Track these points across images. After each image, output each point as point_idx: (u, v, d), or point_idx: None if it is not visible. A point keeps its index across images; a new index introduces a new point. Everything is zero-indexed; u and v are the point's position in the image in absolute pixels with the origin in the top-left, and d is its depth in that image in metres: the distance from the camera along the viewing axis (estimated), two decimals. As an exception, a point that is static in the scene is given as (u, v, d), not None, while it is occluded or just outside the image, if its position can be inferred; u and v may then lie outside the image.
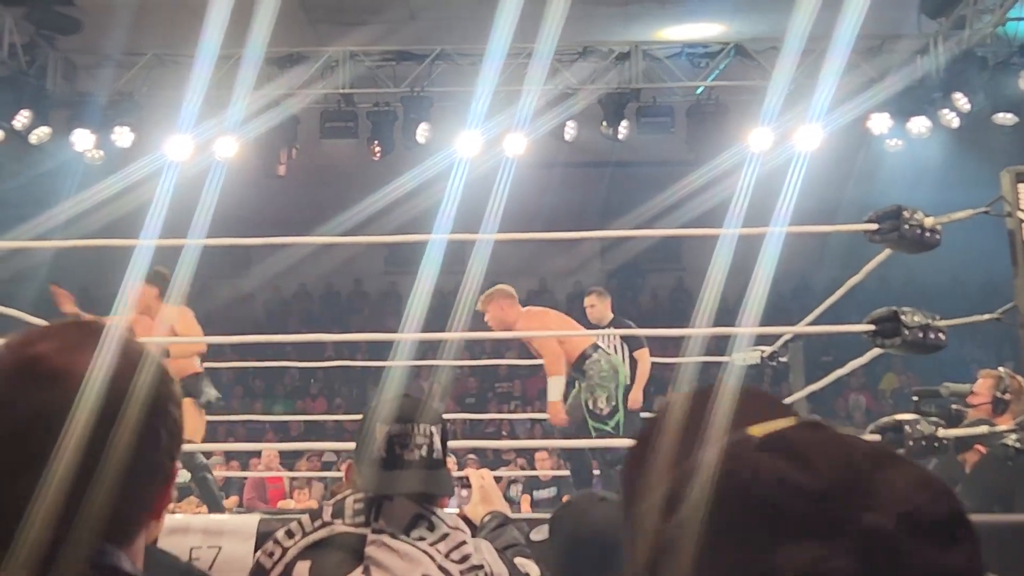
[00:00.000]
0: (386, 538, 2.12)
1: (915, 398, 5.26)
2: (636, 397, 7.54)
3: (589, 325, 7.86)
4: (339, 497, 2.23)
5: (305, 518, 2.23)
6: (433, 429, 2.27)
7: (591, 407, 6.84)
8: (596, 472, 7.19)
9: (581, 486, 6.92)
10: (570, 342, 6.93)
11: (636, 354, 7.64)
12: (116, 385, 0.92)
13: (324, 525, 2.18)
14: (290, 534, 2.20)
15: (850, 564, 0.60)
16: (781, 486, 0.63)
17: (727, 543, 0.63)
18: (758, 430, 0.68)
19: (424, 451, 2.24)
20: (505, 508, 2.55)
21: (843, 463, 0.65)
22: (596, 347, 6.95)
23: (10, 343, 0.96)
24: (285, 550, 2.17)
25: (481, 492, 2.55)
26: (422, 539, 2.13)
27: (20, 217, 9.46)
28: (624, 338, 7.67)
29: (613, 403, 6.77)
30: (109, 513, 0.89)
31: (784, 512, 0.62)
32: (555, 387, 6.83)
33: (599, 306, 7.84)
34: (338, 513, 2.19)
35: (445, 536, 2.15)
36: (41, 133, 10.81)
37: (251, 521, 3.61)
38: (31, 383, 0.91)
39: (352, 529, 2.15)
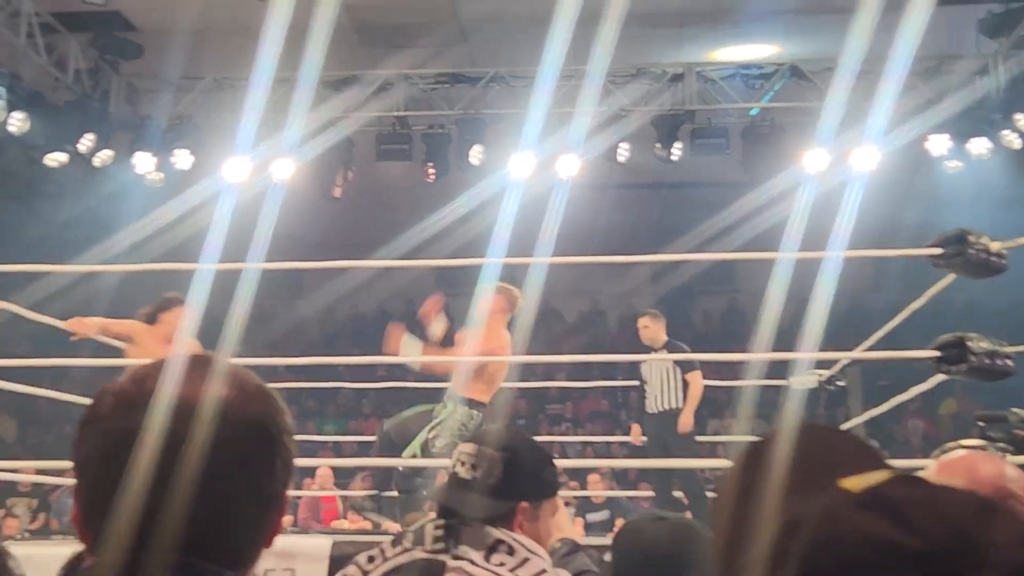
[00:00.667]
0: (466, 564, 2.12)
1: (981, 424, 5.15)
2: (686, 420, 7.47)
3: (641, 348, 7.83)
4: (419, 524, 2.24)
5: (387, 543, 2.25)
6: (497, 455, 2.28)
7: (430, 439, 6.44)
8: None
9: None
10: (497, 375, 6.58)
11: (688, 376, 7.58)
12: (233, 417, 0.94)
13: (405, 551, 2.20)
14: (371, 559, 2.22)
15: None
16: (886, 549, 0.62)
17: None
18: (855, 484, 0.68)
19: (479, 472, 2.25)
20: (574, 534, 2.55)
21: (946, 522, 0.64)
22: (480, 409, 6.54)
23: (133, 375, 0.99)
24: (366, 574, 2.20)
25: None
26: (502, 564, 2.13)
27: (85, 239, 9.66)
28: (677, 360, 7.60)
29: (434, 449, 6.38)
30: (227, 541, 0.92)
31: (888, 572, 0.62)
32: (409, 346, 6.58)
33: (652, 328, 7.79)
34: (418, 539, 2.20)
35: (525, 561, 2.15)
36: (104, 156, 11.02)
37: (324, 544, 3.63)
38: (152, 415, 0.94)
39: (432, 556, 2.16)
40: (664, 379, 7.63)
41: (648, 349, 7.79)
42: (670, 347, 7.75)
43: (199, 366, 0.99)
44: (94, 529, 0.94)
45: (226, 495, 0.93)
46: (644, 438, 7.88)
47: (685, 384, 7.58)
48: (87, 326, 6.35)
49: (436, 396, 8.27)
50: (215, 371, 0.98)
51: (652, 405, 7.68)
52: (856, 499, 0.66)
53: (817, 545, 0.65)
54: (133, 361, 6.62)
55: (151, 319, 6.67)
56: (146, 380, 0.97)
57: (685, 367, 7.60)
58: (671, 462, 7.20)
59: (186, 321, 6.67)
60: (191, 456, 0.91)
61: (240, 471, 0.94)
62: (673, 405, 7.57)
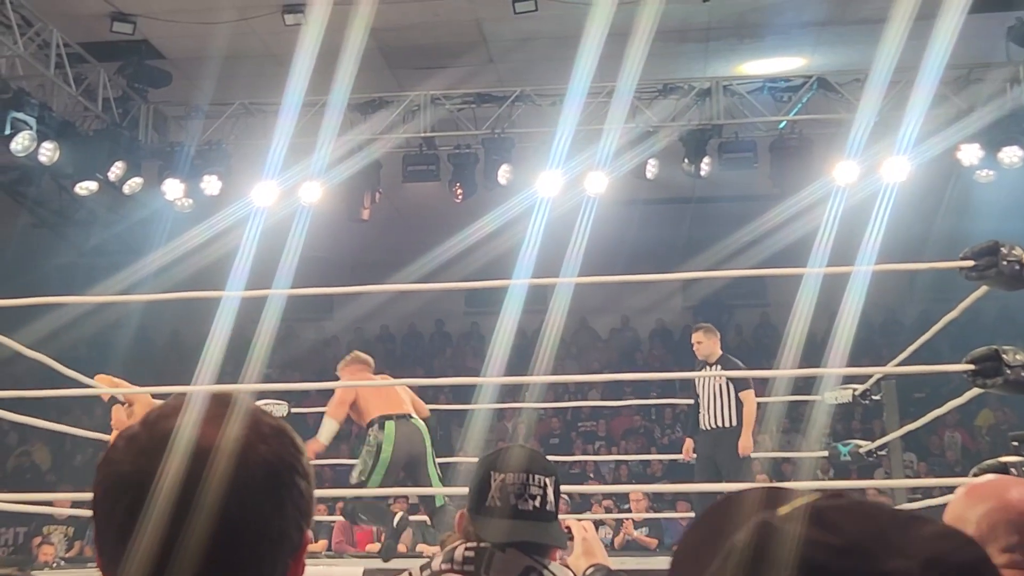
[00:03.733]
0: None
1: (1015, 443, 5.05)
2: (746, 443, 7.38)
3: (673, 363, 7.77)
4: (450, 547, 2.22)
5: (416, 569, 2.23)
6: (547, 480, 2.26)
7: (353, 472, 6.92)
8: None
9: None
10: (367, 406, 6.95)
11: (742, 395, 7.47)
12: (243, 459, 0.94)
13: (434, 575, 2.18)
14: None
15: None
16: (807, 547, 0.68)
17: None
18: (783, 509, 0.73)
19: (538, 502, 2.23)
20: (607, 561, 2.52)
21: (865, 522, 0.70)
22: (382, 423, 6.83)
23: (147, 417, 0.99)
24: None
25: (584, 544, 2.52)
26: None
27: (115, 265, 9.76)
28: (732, 379, 7.50)
29: (363, 477, 6.71)
30: None
31: (812, 567, 0.67)
32: (325, 429, 6.95)
33: (706, 343, 7.71)
34: (448, 563, 2.18)
35: None
36: (134, 183, 11.12)
37: (355, 572, 3.61)
38: (162, 456, 0.94)
39: None
40: (717, 395, 7.55)
41: (703, 363, 7.72)
42: (724, 362, 7.67)
43: (215, 407, 0.98)
44: (106, 570, 0.95)
45: (234, 538, 0.92)
46: (694, 455, 7.80)
47: (739, 402, 7.49)
48: (114, 383, 6.46)
49: (464, 417, 8.26)
50: (230, 412, 0.98)
51: (705, 422, 7.59)
52: (783, 515, 0.71)
53: (751, 558, 0.70)
54: (161, 390, 6.67)
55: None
56: (158, 423, 0.98)
57: (739, 385, 7.51)
58: (707, 486, 7.13)
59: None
60: (198, 499, 0.91)
61: (248, 513, 0.93)
62: (725, 423, 7.48)
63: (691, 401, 7.90)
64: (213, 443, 0.94)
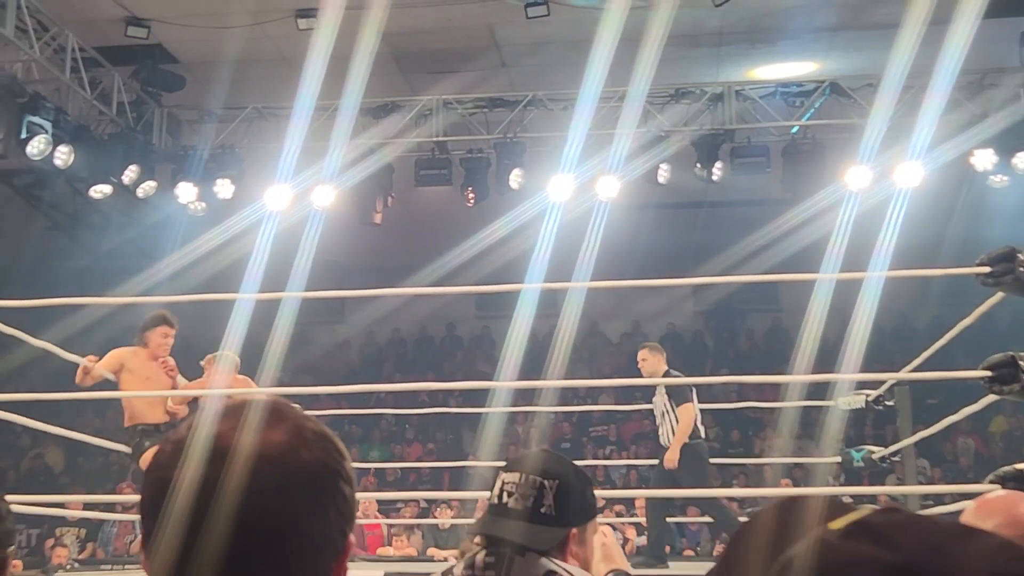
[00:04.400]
0: None
1: None
2: (671, 456, 7.38)
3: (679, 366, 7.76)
4: (471, 553, 2.23)
5: (437, 573, 2.24)
6: (546, 483, 2.25)
7: None
8: None
9: None
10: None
11: (679, 410, 7.48)
12: (286, 464, 0.95)
13: None
14: None
15: None
16: (869, 566, 0.67)
17: None
18: (838, 523, 0.72)
19: (530, 502, 2.22)
20: (627, 566, 2.51)
21: (924, 538, 0.68)
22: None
23: (195, 422, 1.01)
24: None
25: (603, 550, 2.52)
26: None
27: (129, 268, 9.79)
28: (670, 393, 7.50)
29: None
30: None
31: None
32: None
33: (651, 360, 7.68)
34: (468, 568, 2.19)
35: None
36: (148, 187, 11.16)
37: (375, 575, 3.62)
38: (206, 462, 0.95)
39: None
40: (665, 413, 7.59)
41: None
42: (668, 377, 7.65)
43: (262, 412, 0.99)
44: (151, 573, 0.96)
45: (277, 543, 0.93)
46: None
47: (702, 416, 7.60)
48: (93, 377, 6.50)
49: (475, 421, 8.27)
50: (275, 417, 0.98)
51: (661, 439, 7.67)
52: (840, 532, 0.70)
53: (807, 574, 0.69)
54: (170, 392, 6.69)
55: (140, 341, 6.78)
56: (204, 428, 0.99)
57: (678, 400, 7.51)
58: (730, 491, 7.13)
59: (169, 338, 6.82)
60: (241, 505, 0.91)
61: (291, 518, 0.93)
62: (671, 439, 7.51)
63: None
64: (256, 449, 0.94)
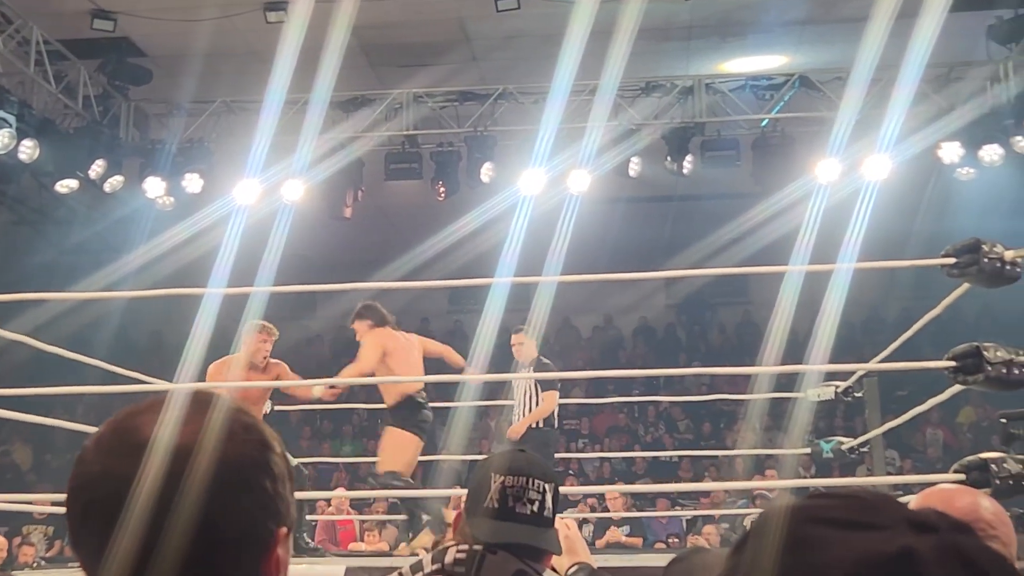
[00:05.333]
0: None
1: (1003, 420, 5.08)
2: (517, 428, 7.59)
3: (654, 360, 7.78)
4: (442, 548, 2.22)
5: (406, 569, 2.23)
6: (547, 486, 2.26)
7: None
8: None
9: None
10: None
11: (544, 395, 7.64)
12: (195, 456, 0.94)
13: None
14: None
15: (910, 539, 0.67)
16: (826, 507, 0.70)
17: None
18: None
19: (536, 506, 2.23)
20: (590, 559, 2.51)
21: (876, 495, 0.73)
22: None
23: (118, 414, 1.00)
24: None
25: (567, 543, 2.52)
26: None
27: (96, 263, 9.70)
28: (538, 380, 7.63)
29: None
30: None
31: (835, 520, 0.69)
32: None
33: (528, 345, 7.81)
34: (438, 563, 2.17)
35: None
36: (115, 182, 11.05)
37: (337, 570, 3.60)
38: (118, 455, 0.95)
39: None
40: (526, 397, 7.68)
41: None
42: (538, 365, 7.76)
43: (183, 406, 0.98)
44: (86, 568, 0.96)
45: (191, 537, 0.91)
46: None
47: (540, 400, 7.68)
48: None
49: (447, 415, 8.26)
50: (197, 411, 0.97)
51: (516, 419, 7.75)
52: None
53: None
54: (144, 389, 6.64)
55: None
56: (124, 422, 0.98)
57: (545, 386, 7.67)
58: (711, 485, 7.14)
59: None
60: (156, 499, 0.91)
61: (205, 513, 0.92)
62: (536, 424, 7.63)
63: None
64: (174, 442, 0.94)
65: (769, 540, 0.70)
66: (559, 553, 2.30)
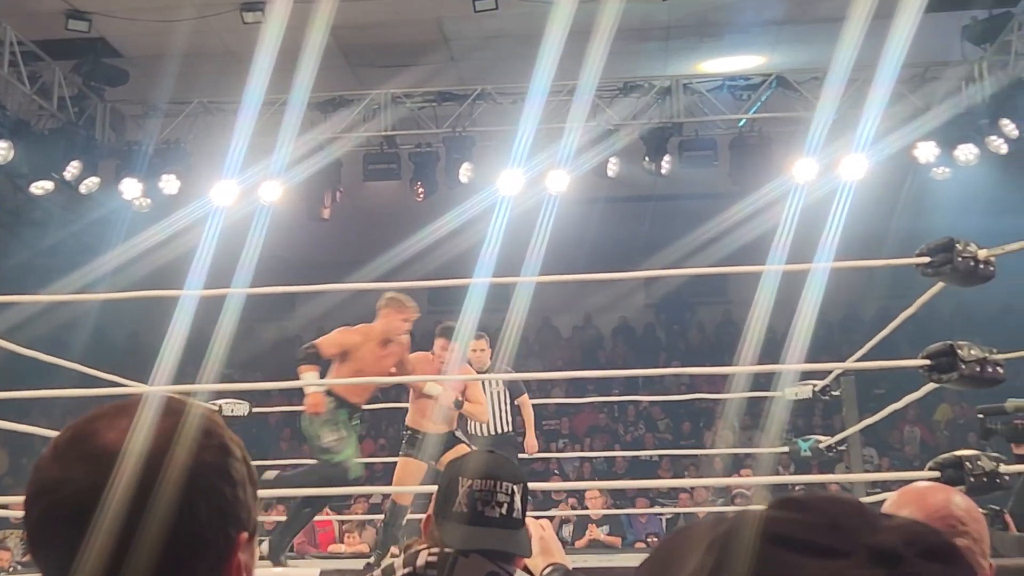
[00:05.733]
0: None
1: (980, 415, 5.13)
2: (531, 443, 7.63)
3: (635, 359, 7.78)
4: (413, 552, 2.21)
5: (378, 572, 2.22)
6: (515, 488, 2.25)
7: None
8: None
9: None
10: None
11: (518, 401, 7.61)
12: (153, 461, 0.93)
13: None
14: None
15: (868, 571, 0.65)
16: (790, 525, 0.68)
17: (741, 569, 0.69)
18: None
19: (504, 509, 2.22)
20: (565, 559, 2.51)
21: (845, 509, 0.70)
22: None
23: (78, 419, 0.99)
24: None
25: (541, 543, 2.52)
26: None
27: (71, 265, 9.63)
28: (507, 385, 7.56)
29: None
30: None
31: (797, 542, 0.67)
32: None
33: (488, 351, 7.62)
34: (410, 567, 2.17)
35: None
36: (90, 183, 10.98)
37: (312, 573, 3.59)
38: (75, 461, 0.94)
39: None
40: (495, 402, 7.51)
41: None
42: (497, 371, 7.60)
43: (146, 412, 0.98)
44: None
45: (142, 542, 0.91)
46: None
47: (515, 408, 7.63)
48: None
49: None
50: (154, 416, 0.97)
51: (476, 428, 7.43)
52: (763, 510, 0.72)
53: (733, 540, 0.70)
54: (121, 392, 6.59)
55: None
56: (82, 426, 0.98)
57: (515, 392, 7.61)
58: (694, 481, 7.16)
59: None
60: (105, 505, 0.90)
61: (156, 518, 0.91)
62: (502, 429, 7.50)
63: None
64: (131, 448, 0.93)
65: (734, 554, 0.69)
66: (528, 555, 2.30)
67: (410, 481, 6.49)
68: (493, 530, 2.18)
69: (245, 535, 0.98)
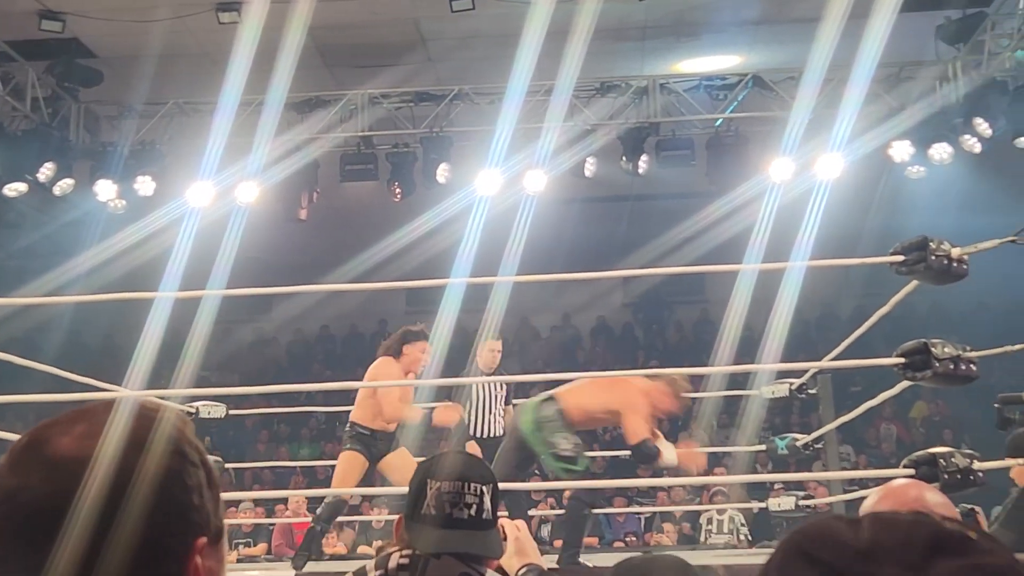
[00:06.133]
0: None
1: (997, 405, 5.09)
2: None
3: (612, 359, 7.78)
4: (385, 554, 2.20)
5: (349, 574, 2.21)
6: (484, 488, 2.23)
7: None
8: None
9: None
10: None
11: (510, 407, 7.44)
12: (105, 468, 0.93)
13: None
14: None
15: None
16: (824, 543, 0.70)
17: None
18: None
19: (473, 510, 2.20)
20: (540, 560, 2.51)
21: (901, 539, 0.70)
22: None
23: (35, 427, 0.99)
24: None
25: (516, 544, 2.52)
26: None
27: (45, 267, 9.55)
28: (511, 388, 7.53)
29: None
30: None
31: (818, 561, 0.68)
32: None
33: (501, 354, 7.53)
34: (382, 569, 2.16)
35: None
36: (65, 185, 10.90)
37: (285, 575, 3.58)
38: (31, 468, 0.94)
39: None
40: (497, 404, 7.42)
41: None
42: (500, 373, 7.52)
43: (102, 418, 0.97)
44: None
45: (94, 550, 0.90)
46: None
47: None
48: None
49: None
50: (114, 424, 0.96)
51: (480, 430, 7.35)
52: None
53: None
54: (96, 396, 6.54)
55: (395, 352, 6.73)
56: (36, 434, 0.97)
57: (512, 397, 7.52)
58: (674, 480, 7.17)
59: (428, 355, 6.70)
60: (57, 513, 0.90)
61: (120, 527, 0.91)
62: (500, 432, 7.29)
63: None
64: (85, 456, 0.93)
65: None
66: (499, 556, 2.30)
67: (355, 476, 6.55)
68: (463, 532, 2.17)
69: (204, 540, 0.97)
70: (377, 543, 6.15)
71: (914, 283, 4.79)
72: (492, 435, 7.34)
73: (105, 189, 10.99)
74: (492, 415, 7.46)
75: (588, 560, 6.79)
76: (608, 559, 7.50)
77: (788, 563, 0.69)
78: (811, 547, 0.69)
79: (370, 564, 2.20)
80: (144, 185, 10.96)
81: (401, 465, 6.62)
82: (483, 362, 7.35)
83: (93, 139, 11.40)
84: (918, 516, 0.73)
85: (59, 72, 10.77)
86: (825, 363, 6.69)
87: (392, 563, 2.15)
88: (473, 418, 7.36)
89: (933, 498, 2.05)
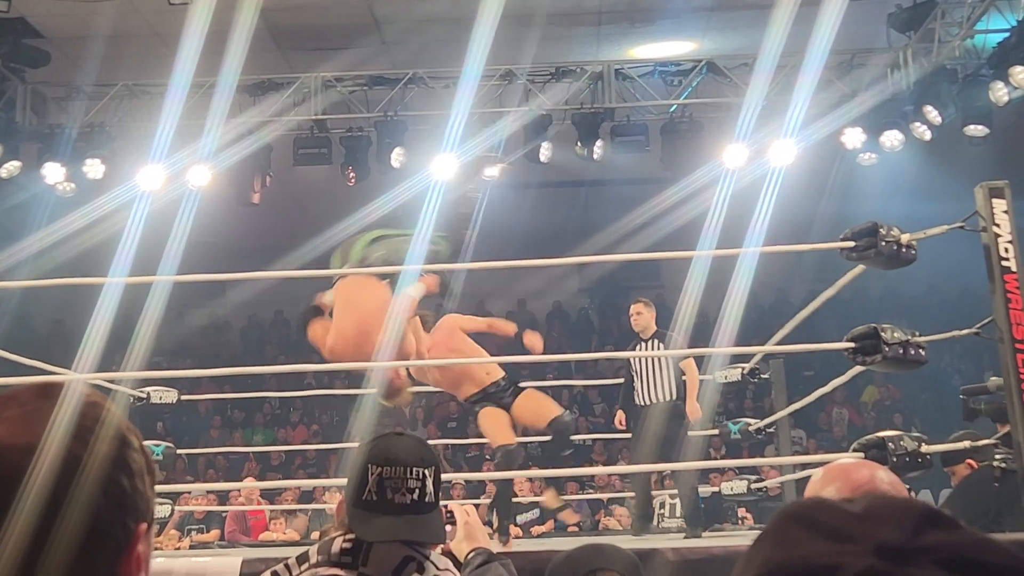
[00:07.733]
0: None
1: (962, 396, 5.10)
2: (693, 408, 7.29)
3: (568, 346, 7.80)
4: (328, 539, 2.17)
5: (292, 560, 2.18)
6: (426, 472, 2.19)
7: None
8: None
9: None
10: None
11: (683, 364, 7.39)
12: (44, 457, 0.90)
13: (310, 567, 2.13)
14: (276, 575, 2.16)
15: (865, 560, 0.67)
16: (821, 510, 0.71)
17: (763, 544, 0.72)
18: None
19: (416, 495, 2.16)
20: (489, 544, 2.51)
21: (894, 508, 0.71)
22: None
23: None
24: None
25: (466, 528, 2.51)
26: None
27: (-10, 251, 9.38)
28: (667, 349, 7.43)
29: None
30: None
31: (814, 523, 0.70)
32: None
33: (645, 315, 7.73)
34: (324, 554, 2.14)
35: None
36: (11, 167, 10.71)
37: (234, 562, 3.55)
38: None
39: (339, 571, 2.09)
40: (656, 370, 7.43)
41: (637, 336, 7.73)
42: (661, 337, 7.57)
43: (36, 403, 0.94)
44: None
45: (34, 539, 0.88)
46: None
47: (679, 373, 7.40)
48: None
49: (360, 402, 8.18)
50: (51, 408, 0.93)
51: (642, 397, 7.45)
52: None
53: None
54: (45, 379, 6.44)
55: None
56: None
57: (679, 357, 7.41)
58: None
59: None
60: (5, 502, 0.87)
61: (61, 514, 0.89)
62: (665, 396, 7.34)
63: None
64: (21, 442, 0.90)
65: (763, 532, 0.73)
66: (442, 540, 2.28)
67: (504, 424, 6.96)
68: (403, 518, 2.13)
69: (144, 526, 0.95)
70: (323, 527, 6.12)
71: (860, 268, 4.84)
72: (652, 400, 7.40)
73: (53, 172, 10.81)
74: (651, 380, 7.45)
75: (541, 545, 6.82)
76: (559, 544, 7.54)
77: (786, 529, 0.71)
78: (809, 513, 0.71)
79: (312, 549, 2.18)
80: (93, 168, 10.80)
81: (527, 405, 7.27)
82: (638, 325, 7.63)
83: (40, 121, 11.20)
84: (908, 499, 0.75)
85: (5, 52, 10.55)
86: (774, 347, 6.76)
87: (335, 548, 2.13)
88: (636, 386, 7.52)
89: (884, 477, 2.01)
